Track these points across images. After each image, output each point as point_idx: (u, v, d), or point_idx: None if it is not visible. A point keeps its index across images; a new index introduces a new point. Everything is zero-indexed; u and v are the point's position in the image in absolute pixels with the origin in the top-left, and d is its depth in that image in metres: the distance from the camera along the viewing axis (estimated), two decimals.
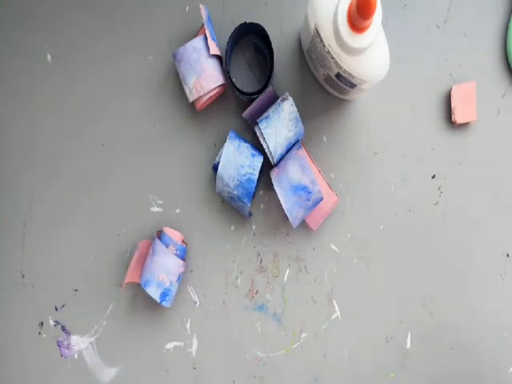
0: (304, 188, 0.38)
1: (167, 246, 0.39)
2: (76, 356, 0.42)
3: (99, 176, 0.43)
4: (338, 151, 0.43)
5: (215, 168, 0.40)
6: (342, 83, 0.38)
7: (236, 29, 0.40)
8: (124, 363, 0.42)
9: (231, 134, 0.40)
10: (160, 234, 0.40)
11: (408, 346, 0.42)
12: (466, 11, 0.44)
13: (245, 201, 0.39)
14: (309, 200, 0.38)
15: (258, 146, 0.41)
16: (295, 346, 0.42)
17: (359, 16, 0.30)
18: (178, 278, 0.39)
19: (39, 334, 0.43)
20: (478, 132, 0.43)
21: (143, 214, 0.43)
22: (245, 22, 0.40)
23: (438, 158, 0.43)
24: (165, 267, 0.38)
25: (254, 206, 0.43)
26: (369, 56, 0.34)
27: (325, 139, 0.43)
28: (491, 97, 0.43)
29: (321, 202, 0.40)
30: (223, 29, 0.43)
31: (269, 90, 0.40)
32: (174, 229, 0.40)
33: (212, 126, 0.43)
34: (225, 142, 0.39)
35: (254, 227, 0.43)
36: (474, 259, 0.43)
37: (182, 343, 0.42)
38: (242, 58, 0.43)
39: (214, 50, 0.39)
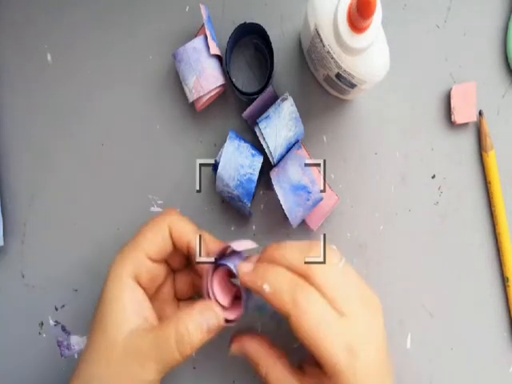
0: (304, 188, 0.38)
1: None
2: (76, 356, 0.42)
3: (99, 176, 0.43)
4: (337, 151, 0.43)
5: (215, 168, 0.40)
6: (342, 83, 0.38)
7: (236, 29, 0.40)
8: None
9: (231, 134, 0.40)
10: None
11: (408, 346, 0.42)
12: (466, 11, 0.43)
13: (245, 201, 0.39)
14: (309, 200, 0.38)
15: (257, 146, 0.41)
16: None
17: (359, 16, 0.30)
18: None
19: (39, 334, 0.43)
20: (477, 132, 0.43)
21: (143, 213, 0.43)
22: (245, 22, 0.40)
23: (438, 158, 0.43)
24: None
25: (254, 205, 0.43)
26: (369, 56, 0.34)
27: (325, 139, 0.43)
28: (491, 97, 0.43)
29: (321, 202, 0.40)
30: (223, 29, 0.43)
31: (269, 89, 0.40)
32: None
33: (212, 126, 0.43)
34: (225, 142, 0.39)
35: (253, 227, 0.43)
36: (474, 259, 0.43)
37: None
38: (242, 58, 0.43)
39: (214, 50, 0.39)
